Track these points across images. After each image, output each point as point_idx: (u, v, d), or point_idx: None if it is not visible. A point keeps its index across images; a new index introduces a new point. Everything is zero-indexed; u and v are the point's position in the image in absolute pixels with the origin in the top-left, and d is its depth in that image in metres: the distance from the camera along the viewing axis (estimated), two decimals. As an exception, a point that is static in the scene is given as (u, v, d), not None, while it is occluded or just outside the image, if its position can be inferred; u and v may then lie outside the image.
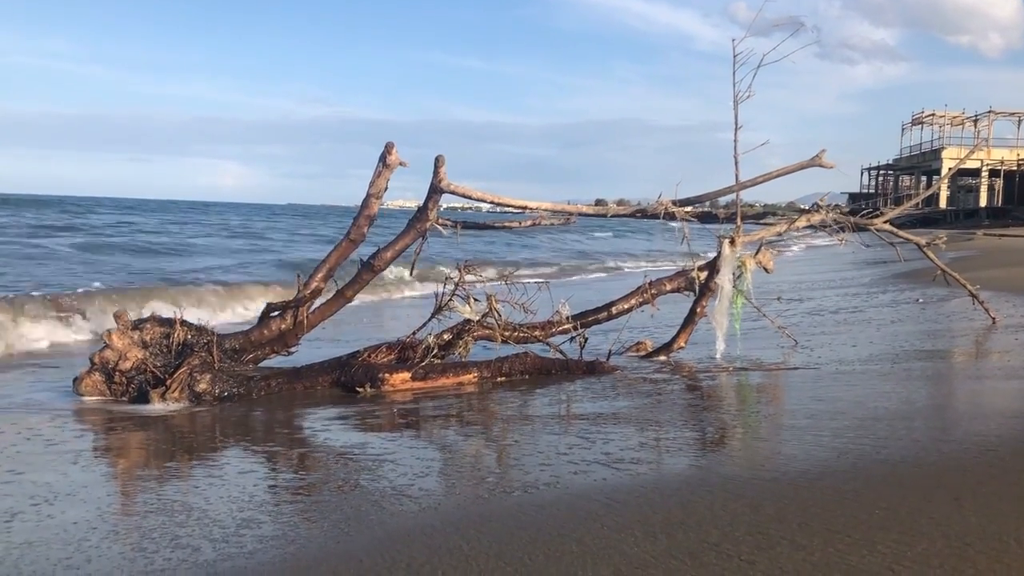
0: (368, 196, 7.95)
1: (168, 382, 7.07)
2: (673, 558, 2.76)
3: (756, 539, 2.90)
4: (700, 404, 5.87)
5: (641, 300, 8.58)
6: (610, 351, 7.85)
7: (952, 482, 3.60)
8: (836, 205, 9.82)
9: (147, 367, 7.25)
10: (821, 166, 7.99)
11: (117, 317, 7.50)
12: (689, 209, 8.06)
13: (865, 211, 9.08)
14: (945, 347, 7.84)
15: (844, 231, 8.72)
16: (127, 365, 7.24)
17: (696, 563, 2.70)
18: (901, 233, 8.75)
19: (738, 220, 8.08)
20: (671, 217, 8.23)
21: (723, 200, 9.62)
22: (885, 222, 8.65)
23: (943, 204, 63.91)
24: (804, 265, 22.47)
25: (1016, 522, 3.04)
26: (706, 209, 8.96)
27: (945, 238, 8.81)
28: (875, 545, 2.81)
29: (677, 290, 8.74)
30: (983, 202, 64.94)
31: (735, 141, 7.90)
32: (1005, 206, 59.36)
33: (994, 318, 8.98)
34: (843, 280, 15.08)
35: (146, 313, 8.60)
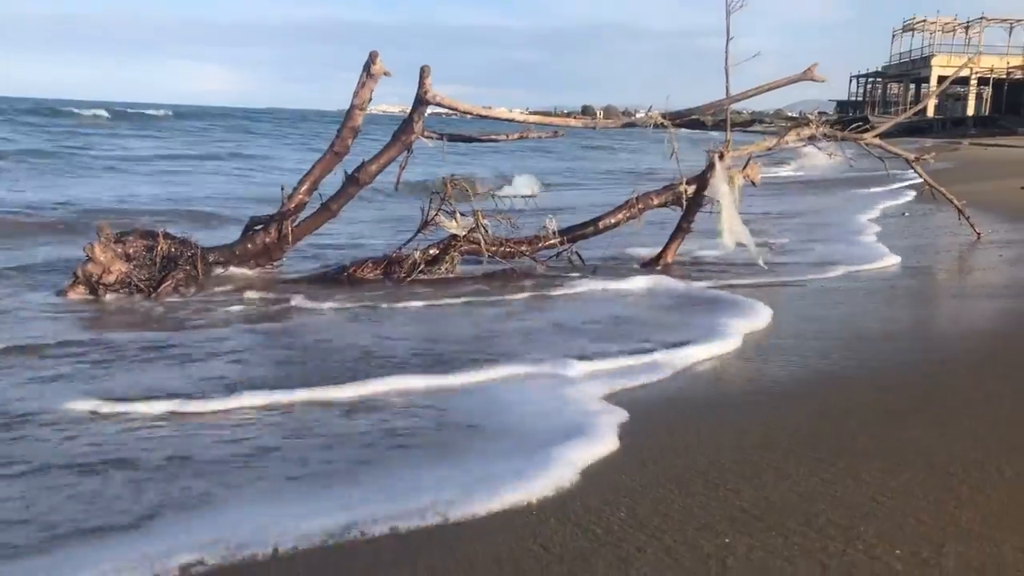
0: (352, 107, 7.80)
1: (153, 296, 7.03)
2: (661, 486, 2.79)
3: (742, 467, 2.93)
4: (685, 322, 5.86)
5: (628, 214, 8.52)
6: (595, 267, 7.85)
7: (936, 407, 3.65)
8: (823, 113, 9.69)
9: (131, 280, 7.20)
10: (812, 80, 7.87)
11: (99, 230, 7.40)
12: (678, 122, 7.96)
13: (855, 125, 8.99)
14: (930, 263, 7.88)
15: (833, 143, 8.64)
16: (111, 279, 7.18)
17: (684, 492, 2.73)
18: (890, 148, 8.69)
19: (727, 134, 7.99)
20: (661, 127, 8.14)
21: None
22: (875, 136, 8.57)
23: (931, 112, 63.47)
24: (790, 176, 22.38)
25: (998, 450, 3.09)
26: (694, 117, 8.84)
27: (934, 153, 8.76)
28: (860, 475, 2.84)
29: (664, 204, 8.67)
30: (971, 111, 64.53)
31: (726, 53, 7.76)
32: (993, 115, 59.04)
33: (979, 233, 9.01)
34: (828, 192, 14.96)
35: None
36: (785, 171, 24.20)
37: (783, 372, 4.33)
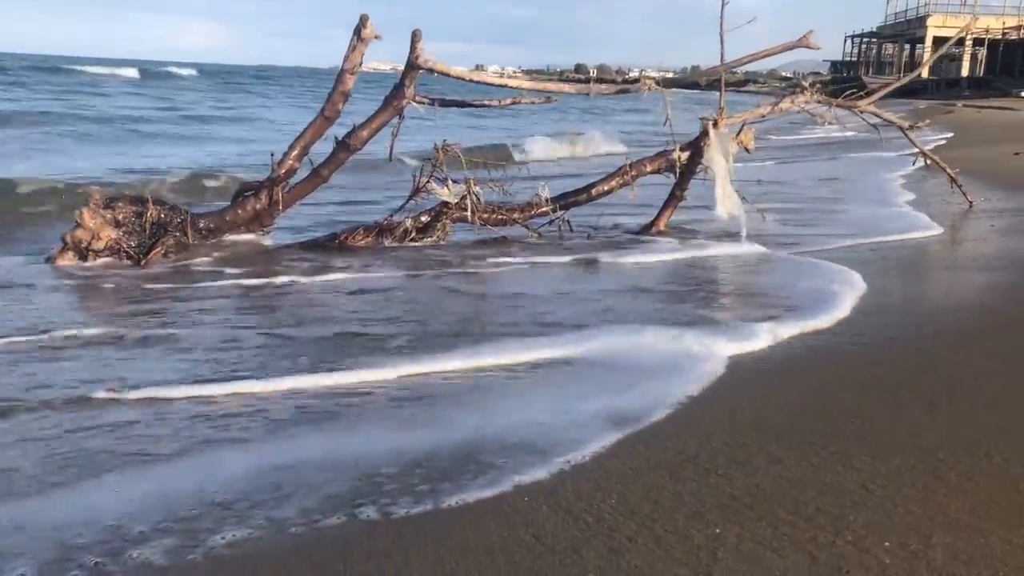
0: (342, 71, 7.72)
1: (142, 264, 7.01)
2: (652, 471, 2.80)
3: (733, 451, 2.94)
4: (677, 292, 5.85)
5: (621, 181, 8.47)
6: (589, 233, 7.83)
7: (927, 385, 3.66)
8: (817, 73, 9.56)
9: (120, 247, 7.16)
10: (807, 47, 7.82)
11: (88, 196, 7.35)
12: (674, 90, 7.90)
13: (849, 92, 8.93)
14: (922, 233, 7.86)
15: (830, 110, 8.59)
16: (100, 245, 7.14)
17: (674, 478, 2.74)
18: (885, 115, 8.65)
19: (721, 101, 7.93)
20: (656, 86, 8.09)
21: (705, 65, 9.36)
22: (869, 104, 8.52)
23: (925, 74, 63.02)
24: (782, 149, 22.28)
25: (987, 431, 3.10)
26: (688, 79, 8.80)
27: (928, 121, 8.73)
28: (850, 460, 2.85)
29: (658, 171, 8.62)
30: (965, 71, 64.06)
31: (721, 18, 7.69)
32: (987, 76, 58.69)
33: (971, 202, 9.01)
34: (822, 159, 14.80)
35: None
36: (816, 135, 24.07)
37: (775, 347, 4.33)
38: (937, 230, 7.89)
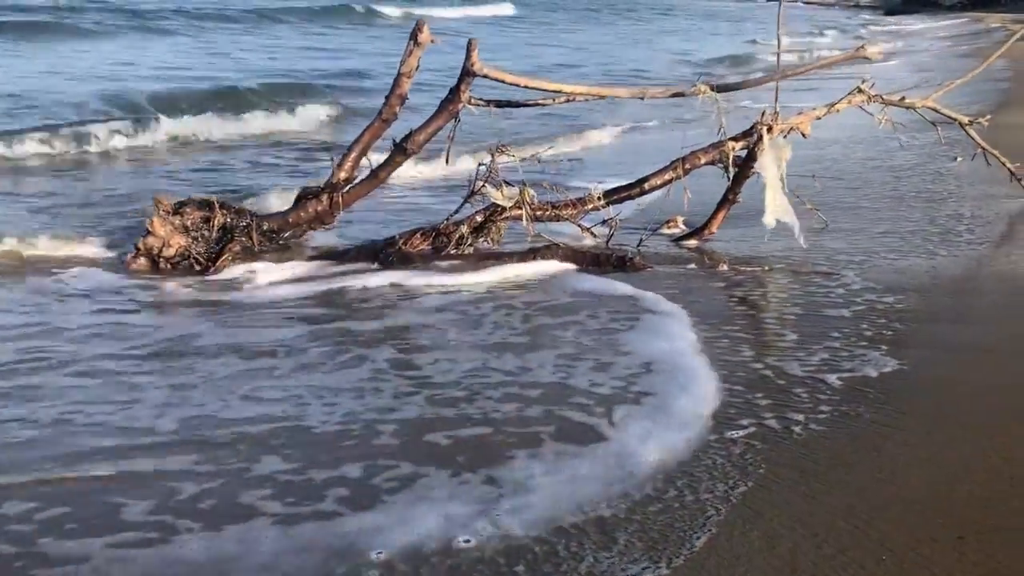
0: (399, 75, 7.88)
1: (211, 271, 7.37)
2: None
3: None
4: (734, 315, 5.99)
5: (674, 175, 8.53)
6: (640, 240, 7.95)
7: (958, 496, 3.81)
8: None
9: (190, 254, 7.52)
10: (866, 59, 7.77)
11: (157, 202, 7.66)
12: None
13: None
14: (982, 239, 7.83)
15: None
16: (171, 252, 7.53)
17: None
18: (944, 111, 8.57)
19: (776, 107, 7.92)
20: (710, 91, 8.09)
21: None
22: (927, 101, 8.45)
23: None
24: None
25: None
26: (743, 85, 8.77)
27: (989, 117, 8.57)
28: None
29: (712, 163, 8.63)
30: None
31: (778, 21, 7.66)
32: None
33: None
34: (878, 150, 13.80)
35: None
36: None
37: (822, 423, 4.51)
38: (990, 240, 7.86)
